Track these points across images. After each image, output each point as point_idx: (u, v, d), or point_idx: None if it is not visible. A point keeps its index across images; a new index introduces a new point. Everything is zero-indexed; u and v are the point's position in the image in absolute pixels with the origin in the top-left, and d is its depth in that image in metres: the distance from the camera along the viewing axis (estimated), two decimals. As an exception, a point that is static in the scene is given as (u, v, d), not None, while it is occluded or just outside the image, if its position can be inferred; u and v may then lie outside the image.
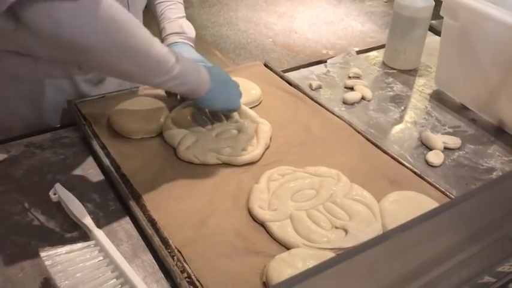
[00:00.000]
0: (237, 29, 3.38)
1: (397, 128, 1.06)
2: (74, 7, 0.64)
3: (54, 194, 0.78)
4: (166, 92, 1.00)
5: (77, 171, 0.87)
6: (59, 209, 0.78)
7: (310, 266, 0.63)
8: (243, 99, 0.97)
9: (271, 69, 1.18)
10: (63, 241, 0.73)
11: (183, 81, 0.82)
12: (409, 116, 1.10)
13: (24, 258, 0.71)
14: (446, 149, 0.98)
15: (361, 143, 0.95)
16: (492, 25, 0.98)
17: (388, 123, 1.07)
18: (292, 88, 1.11)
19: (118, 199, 0.82)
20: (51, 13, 0.63)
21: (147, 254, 0.72)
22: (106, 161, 0.86)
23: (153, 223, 0.74)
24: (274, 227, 0.74)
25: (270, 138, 0.94)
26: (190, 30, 1.10)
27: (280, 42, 3.19)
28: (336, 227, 0.74)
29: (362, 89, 1.16)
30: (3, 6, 0.62)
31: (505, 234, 0.50)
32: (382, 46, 1.34)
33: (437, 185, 0.84)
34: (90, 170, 0.88)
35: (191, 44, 1.10)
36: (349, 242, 0.71)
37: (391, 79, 1.23)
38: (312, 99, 1.07)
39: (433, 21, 1.30)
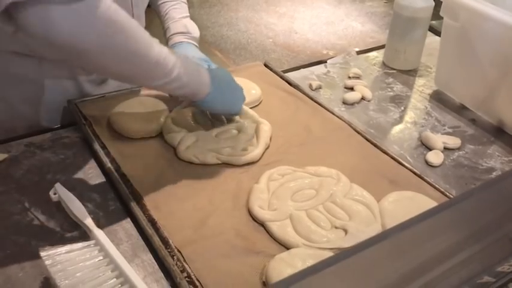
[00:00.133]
0: (238, 30, 3.38)
1: (397, 128, 1.06)
2: (69, 10, 0.62)
3: (54, 193, 0.78)
4: None
5: (77, 171, 0.87)
6: (59, 209, 0.78)
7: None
8: (243, 100, 0.97)
9: (271, 70, 1.18)
10: (63, 241, 0.73)
11: (182, 84, 0.80)
12: (409, 116, 1.10)
13: (24, 258, 0.71)
14: (446, 149, 0.98)
15: (361, 143, 0.95)
16: (492, 25, 0.98)
17: (388, 123, 1.07)
18: (292, 88, 1.11)
19: (118, 199, 0.82)
20: (44, 15, 0.62)
21: (147, 254, 0.73)
22: (106, 160, 0.87)
23: (153, 223, 0.74)
24: (274, 227, 0.74)
25: (270, 138, 0.94)
26: (195, 30, 1.11)
27: (281, 42, 3.19)
28: (336, 227, 0.74)
29: (362, 89, 1.16)
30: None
31: (505, 234, 0.50)
32: (382, 46, 1.34)
33: (437, 185, 0.84)
34: (90, 170, 0.88)
35: (195, 43, 1.10)
36: (348, 242, 0.71)
37: (391, 79, 1.23)
38: (312, 99, 1.07)
39: (433, 22, 1.30)
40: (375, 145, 0.94)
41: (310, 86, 1.18)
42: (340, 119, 1.01)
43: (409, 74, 1.26)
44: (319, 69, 1.27)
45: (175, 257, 0.69)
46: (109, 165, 0.86)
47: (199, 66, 0.86)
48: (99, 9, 0.65)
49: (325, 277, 0.36)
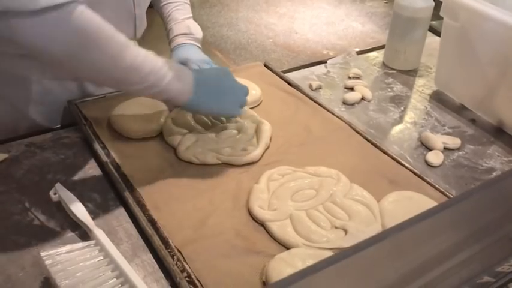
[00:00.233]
0: (238, 30, 3.38)
1: (397, 129, 1.06)
2: (40, 20, 0.63)
3: (55, 193, 0.78)
4: None
5: (77, 171, 0.88)
6: (59, 209, 0.78)
7: (310, 265, 0.63)
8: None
9: (271, 70, 1.18)
10: (63, 241, 0.73)
11: (160, 89, 0.78)
12: (409, 116, 1.10)
13: (25, 258, 0.71)
14: (446, 149, 0.98)
15: (361, 143, 0.95)
16: (492, 25, 0.98)
17: (388, 123, 1.07)
18: (292, 88, 1.11)
19: (118, 199, 0.82)
20: (15, 26, 0.64)
21: (147, 254, 0.73)
22: (106, 160, 0.87)
23: (153, 223, 0.74)
24: (274, 227, 0.74)
25: (270, 138, 0.94)
26: (198, 31, 1.11)
27: (281, 42, 3.19)
28: (336, 227, 0.74)
29: (362, 89, 1.16)
30: None
31: (505, 234, 0.50)
32: (382, 46, 1.34)
33: (437, 185, 0.84)
34: (90, 170, 0.88)
35: (198, 45, 1.10)
36: (348, 242, 0.71)
37: (391, 79, 1.23)
38: (312, 99, 1.07)
39: (433, 22, 1.30)
40: (375, 145, 0.94)
41: (310, 86, 1.18)
42: (340, 119, 1.01)
43: (409, 74, 1.26)
44: (319, 69, 1.27)
45: (175, 257, 0.69)
46: (109, 165, 0.86)
47: (182, 71, 0.84)
48: (71, 17, 0.66)
49: (325, 277, 0.36)
